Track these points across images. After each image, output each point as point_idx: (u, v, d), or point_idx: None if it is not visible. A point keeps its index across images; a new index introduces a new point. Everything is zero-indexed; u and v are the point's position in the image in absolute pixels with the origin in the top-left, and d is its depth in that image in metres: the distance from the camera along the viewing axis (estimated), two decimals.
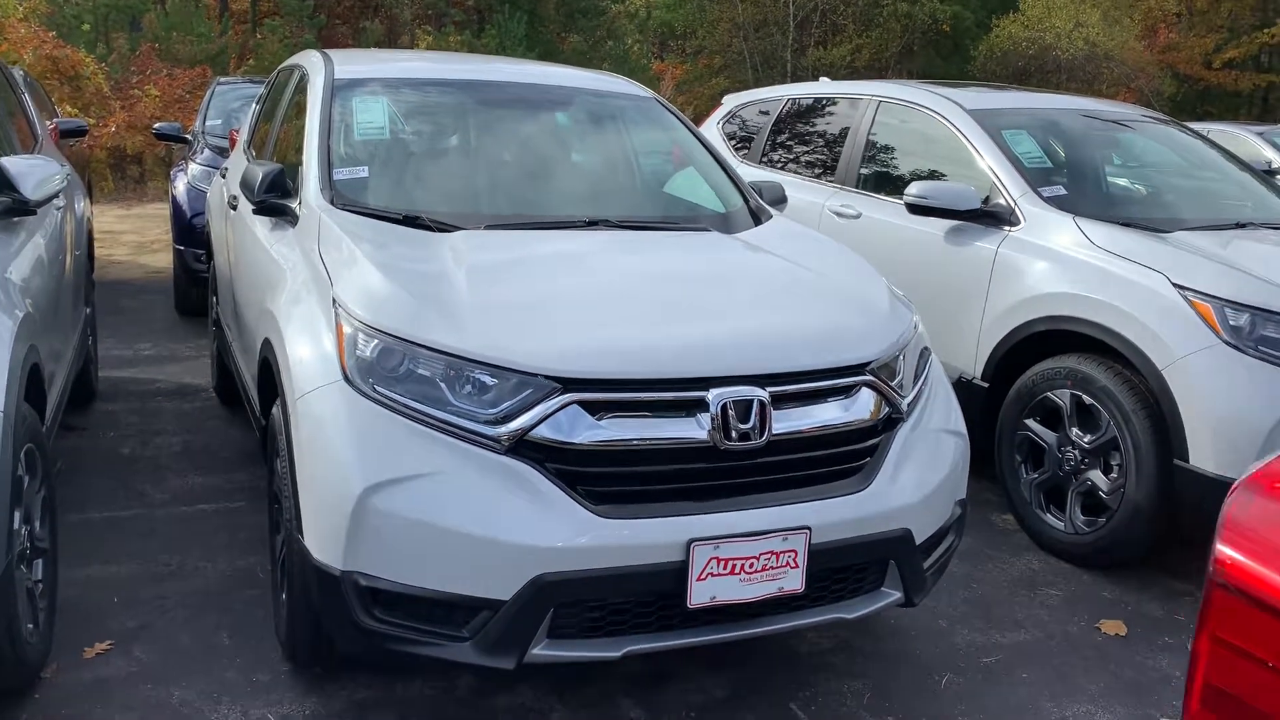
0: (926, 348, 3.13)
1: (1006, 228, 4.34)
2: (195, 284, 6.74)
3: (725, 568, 2.48)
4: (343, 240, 2.97)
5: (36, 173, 3.26)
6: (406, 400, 2.47)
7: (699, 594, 2.47)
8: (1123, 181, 4.99)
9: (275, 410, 2.86)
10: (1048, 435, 4.05)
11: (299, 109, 3.91)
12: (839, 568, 2.68)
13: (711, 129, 6.64)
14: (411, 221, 3.17)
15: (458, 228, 3.15)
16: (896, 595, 2.81)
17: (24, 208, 3.23)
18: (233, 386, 4.64)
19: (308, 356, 2.66)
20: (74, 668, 2.91)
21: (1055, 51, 23.15)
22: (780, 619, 2.65)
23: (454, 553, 2.37)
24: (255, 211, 3.48)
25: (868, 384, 2.76)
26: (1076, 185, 4.53)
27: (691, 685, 3.00)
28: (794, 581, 2.56)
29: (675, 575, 2.44)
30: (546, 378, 2.45)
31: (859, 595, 2.78)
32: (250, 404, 3.75)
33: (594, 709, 2.87)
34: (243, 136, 5.32)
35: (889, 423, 2.81)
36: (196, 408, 5.31)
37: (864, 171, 5.30)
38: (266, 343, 3.03)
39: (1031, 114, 4.98)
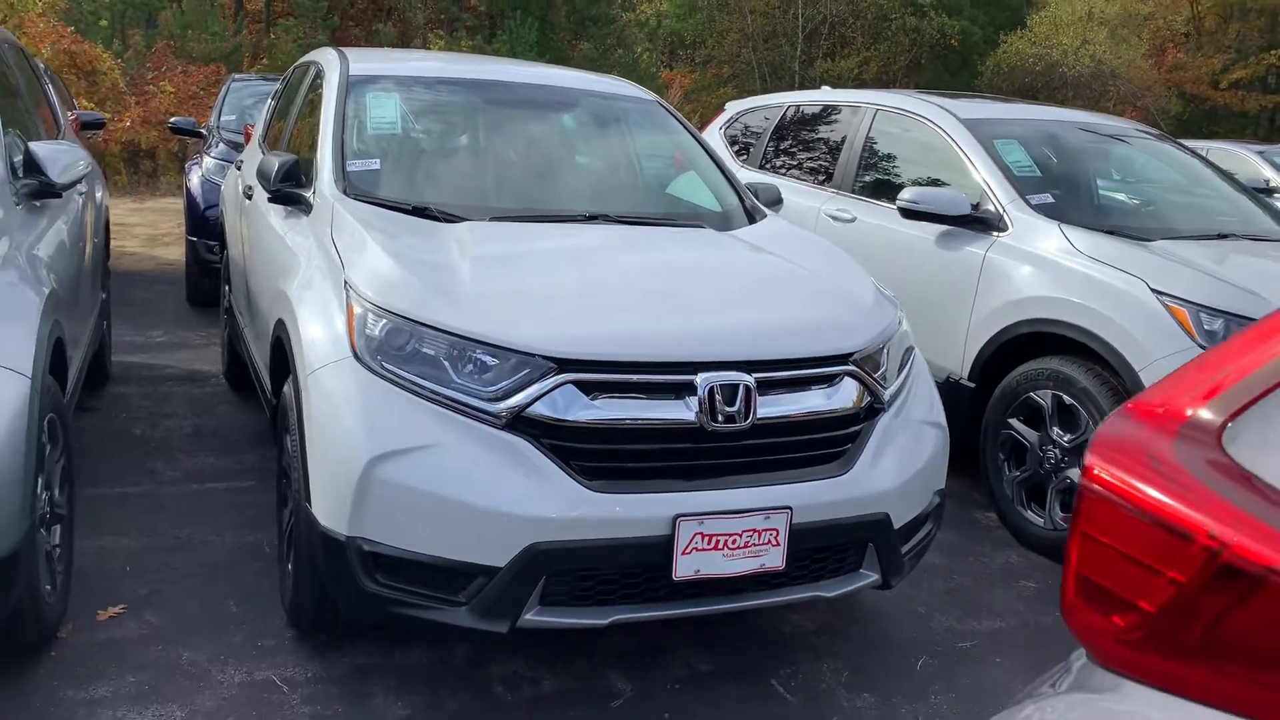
0: (911, 344, 3.27)
1: (995, 233, 4.48)
2: (207, 274, 6.90)
3: (709, 543, 2.62)
4: (354, 227, 3.12)
5: (63, 158, 3.41)
6: (412, 377, 2.61)
7: (684, 567, 2.60)
8: (1112, 192, 5.13)
9: (287, 387, 3.01)
10: (1030, 434, 4.18)
11: (314, 104, 4.06)
12: (819, 548, 2.82)
13: (714, 134, 6.79)
14: (420, 212, 3.32)
15: (464, 219, 3.30)
16: (874, 577, 2.94)
17: (51, 190, 3.38)
18: (243, 373, 4.79)
19: (319, 335, 2.81)
20: (88, 629, 3.05)
21: (1062, 68, 23.34)
22: (761, 594, 2.79)
23: (453, 521, 2.52)
24: (270, 200, 3.63)
25: (851, 374, 2.90)
26: (1065, 194, 4.67)
27: (677, 660, 3.13)
28: (775, 559, 2.70)
29: (661, 549, 2.58)
30: (544, 358, 2.59)
31: (838, 575, 2.92)
32: (261, 384, 3.90)
33: (583, 679, 3.00)
34: (258, 130, 5.48)
35: (871, 412, 2.95)
36: (207, 393, 5.45)
37: (860, 177, 5.44)
38: (280, 323, 3.18)
39: (1024, 125, 5.13)
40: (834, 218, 5.35)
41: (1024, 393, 4.18)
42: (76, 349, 3.80)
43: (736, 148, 6.61)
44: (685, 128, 4.37)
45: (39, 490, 2.81)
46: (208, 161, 7.17)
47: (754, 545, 2.67)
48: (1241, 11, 26.70)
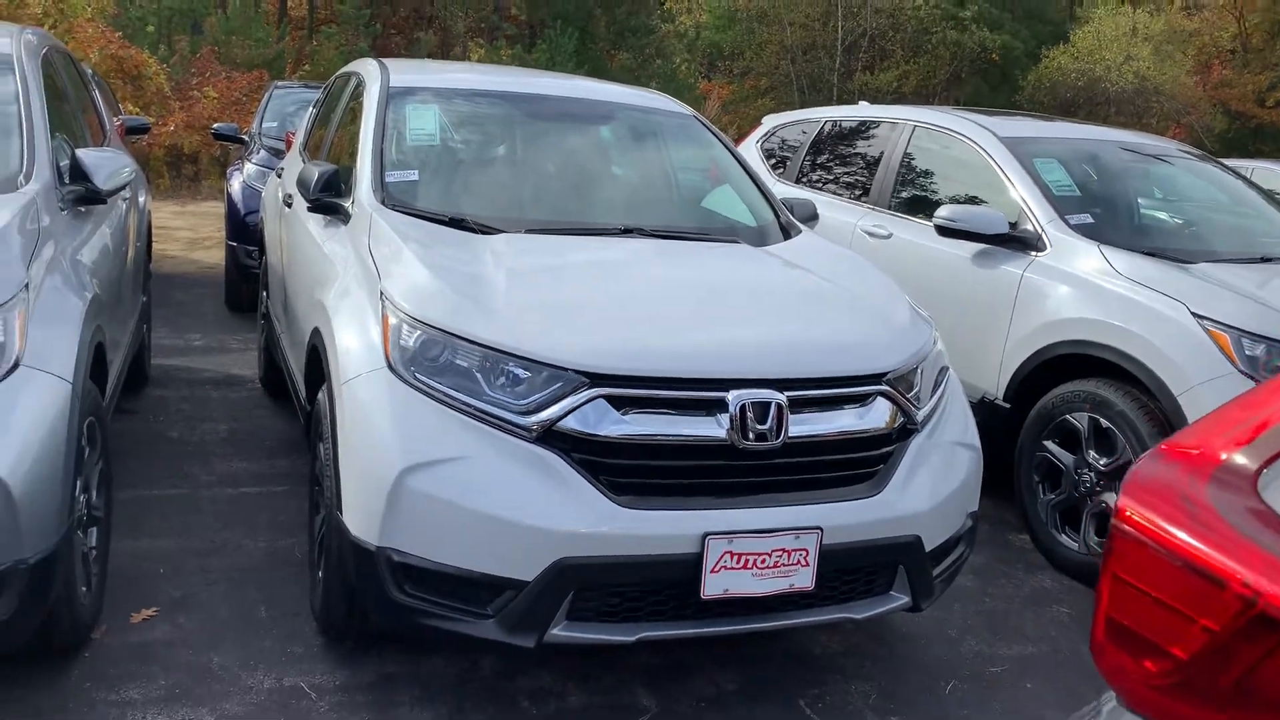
0: (945, 365, 3.25)
1: (1033, 253, 4.44)
2: (246, 279, 6.98)
3: (738, 562, 2.60)
4: (392, 238, 3.14)
5: (108, 165, 3.47)
6: (444, 388, 2.63)
7: (712, 586, 2.59)
8: (1153, 213, 5.07)
9: (321, 395, 3.04)
10: (1065, 457, 4.13)
11: (354, 114, 4.10)
12: (849, 569, 2.80)
13: (751, 148, 6.79)
14: (457, 223, 3.34)
15: (500, 230, 3.31)
16: (904, 600, 2.92)
17: (96, 197, 3.44)
18: (278, 378, 4.84)
19: (355, 345, 2.83)
20: (121, 630, 3.09)
21: (1105, 84, 23.12)
22: (790, 615, 2.77)
23: (482, 533, 2.52)
24: (309, 209, 3.67)
25: (884, 394, 2.88)
26: (1105, 214, 4.62)
27: (704, 678, 3.12)
28: (804, 579, 2.68)
29: (690, 566, 2.57)
30: (576, 372, 2.59)
31: (868, 597, 2.90)
32: (296, 391, 3.94)
33: (609, 695, 2.99)
34: (299, 138, 5.55)
35: (904, 432, 2.93)
36: (243, 397, 5.51)
37: (897, 193, 5.41)
38: (316, 331, 3.21)
39: (1064, 144, 5.08)
40: (870, 234, 5.32)
41: (1060, 415, 4.14)
42: (117, 353, 3.86)
43: (773, 161, 6.60)
44: (721, 142, 4.37)
45: (77, 493, 2.86)
46: (249, 167, 7.26)
47: (783, 565, 2.66)
48: None
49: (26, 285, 2.65)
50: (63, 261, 3.02)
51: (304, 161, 4.70)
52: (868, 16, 23.38)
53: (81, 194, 3.40)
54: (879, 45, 24.01)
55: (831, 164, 6.12)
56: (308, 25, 22.41)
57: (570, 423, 2.58)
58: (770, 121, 6.98)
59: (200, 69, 16.19)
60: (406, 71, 4.21)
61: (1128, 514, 1.11)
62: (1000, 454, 4.34)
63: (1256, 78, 25.91)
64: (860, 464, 2.83)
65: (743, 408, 2.65)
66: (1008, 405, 4.43)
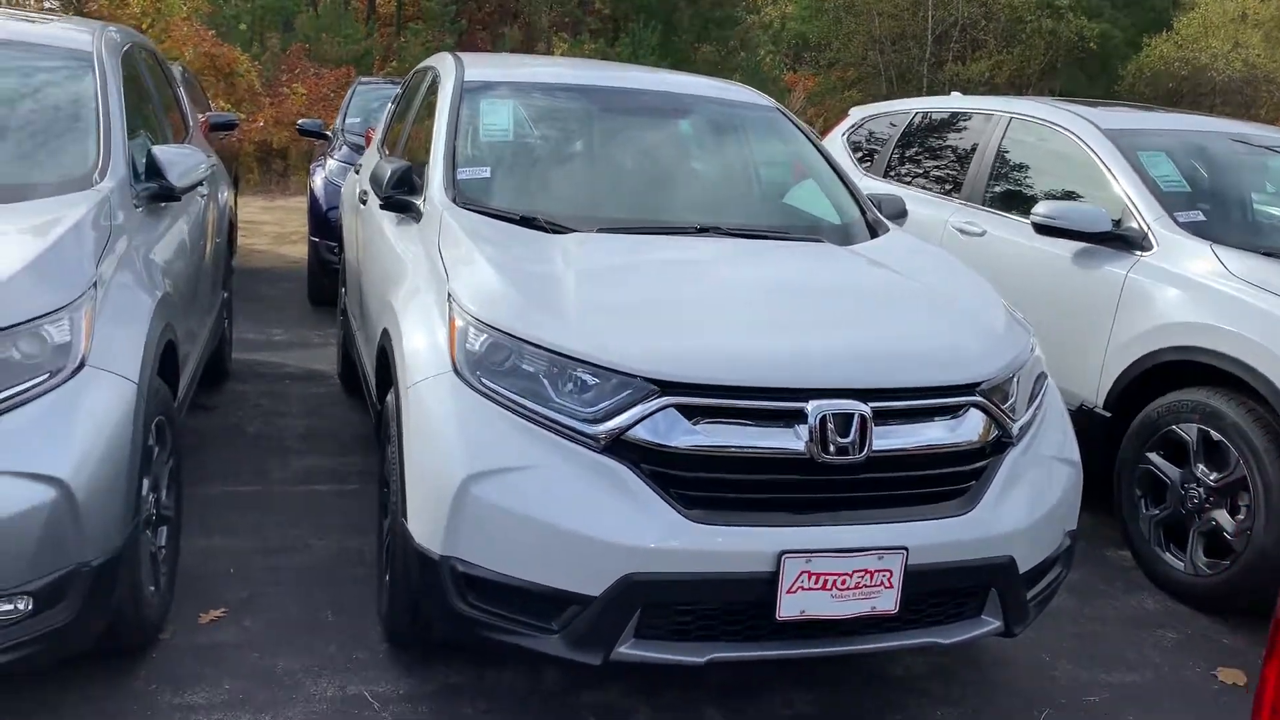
0: (1043, 372, 3.05)
1: (1138, 252, 4.18)
2: (327, 275, 7.01)
3: (816, 582, 2.46)
4: (461, 238, 3.05)
5: (183, 161, 3.45)
6: (511, 394, 2.53)
7: (788, 607, 2.45)
8: (1269, 209, 4.74)
9: (390, 397, 2.97)
10: (1171, 470, 3.87)
11: (429, 109, 4.04)
12: (936, 591, 2.63)
13: (837, 140, 6.58)
14: (528, 222, 3.24)
15: (571, 230, 3.21)
16: (996, 624, 2.73)
17: (170, 194, 3.43)
18: (355, 374, 4.81)
19: (421, 347, 2.75)
20: (189, 631, 3.07)
21: (1210, 73, 22.16)
22: (871, 639, 2.61)
23: (547, 546, 2.42)
24: (382, 207, 3.61)
25: (977, 405, 2.70)
26: (1216, 211, 4.33)
27: (778, 698, 2.97)
28: (887, 602, 2.52)
29: (765, 586, 2.43)
30: (645, 379, 2.47)
31: (956, 621, 2.72)
32: (369, 390, 3.89)
33: (678, 712, 2.87)
34: (377, 135, 5.52)
35: (998, 446, 2.75)
36: (321, 392, 5.52)
37: (991, 189, 5.17)
38: (385, 332, 3.14)
39: (1171, 136, 4.78)
40: (962, 230, 5.09)
41: (1165, 425, 3.87)
42: (192, 350, 3.86)
43: (860, 154, 6.38)
44: (805, 135, 4.20)
45: (145, 493, 2.84)
46: (331, 163, 7.29)
47: (865, 587, 2.50)
48: None
49: (95, 284, 2.62)
50: (134, 259, 3.00)
51: (381, 158, 4.67)
52: (959, 5, 22.79)
53: (156, 191, 3.38)
54: (971, 35, 23.39)
55: (922, 157, 5.88)
56: (395, 22, 22.67)
57: (639, 432, 2.45)
58: (858, 113, 6.76)
59: (290, 66, 16.46)
60: (482, 66, 4.13)
61: None
62: (1098, 465, 4.09)
63: None
64: (950, 480, 2.66)
65: (823, 419, 2.49)
66: (1108, 414, 4.18)
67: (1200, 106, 21.69)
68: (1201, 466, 3.75)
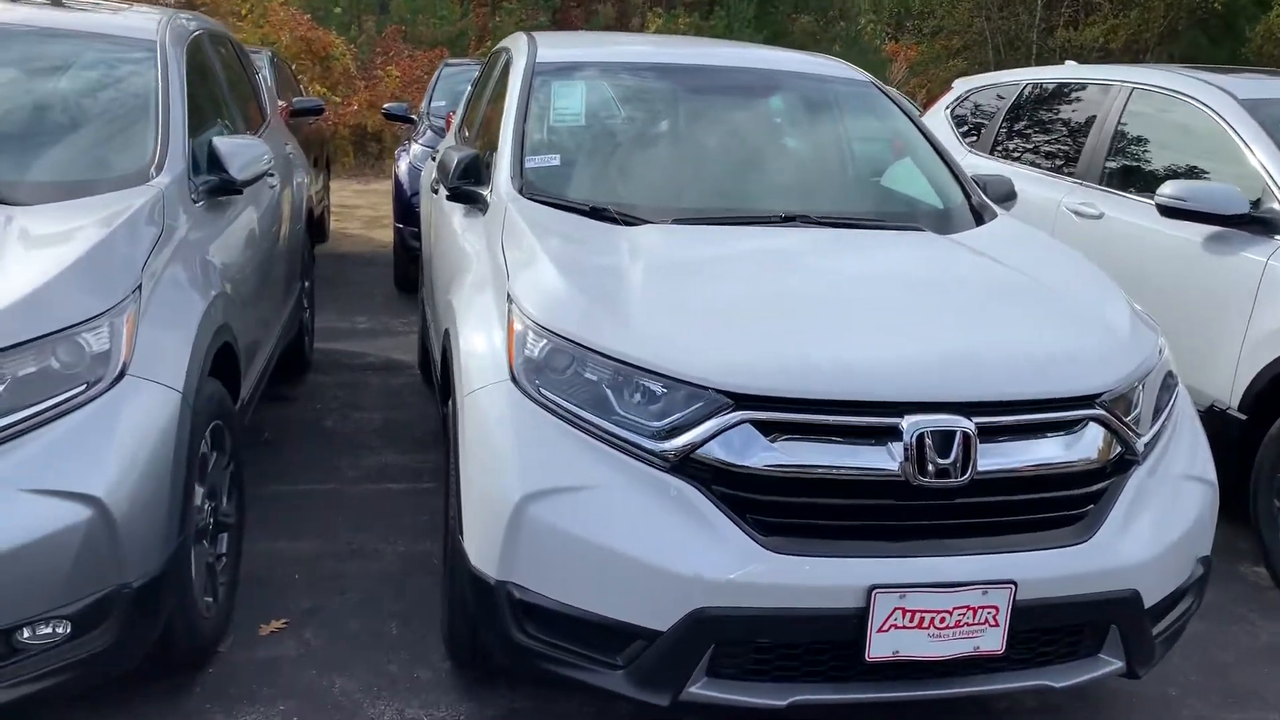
0: (1173, 377, 2.71)
1: (1279, 237, 3.74)
2: (412, 261, 6.91)
3: (911, 620, 2.19)
4: (525, 233, 2.85)
5: (245, 153, 3.33)
6: (571, 406, 2.32)
7: (879, 647, 2.19)
8: None
9: (450, 403, 2.79)
10: None
11: (501, 93, 3.84)
12: (1048, 629, 2.34)
13: (939, 115, 6.19)
14: (598, 214, 3.02)
15: (645, 221, 2.97)
16: (1117, 665, 2.43)
17: (231, 187, 3.30)
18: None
19: (478, 352, 2.56)
20: (247, 645, 2.95)
21: None
22: (973, 680, 2.34)
23: (609, 574, 2.21)
24: (448, 198, 3.43)
25: (1097, 419, 2.39)
26: None
27: None
28: (992, 642, 2.24)
29: (853, 623, 2.18)
30: (718, 391, 2.23)
31: (1071, 660, 2.42)
32: (437, 390, 3.74)
33: None
34: (456, 120, 5.37)
35: (1121, 465, 2.43)
36: (400, 384, 5.42)
37: (1110, 166, 4.74)
38: (446, 333, 2.96)
39: None
40: (1076, 213, 4.69)
41: None
42: (261, 347, 3.75)
43: (965, 129, 5.99)
44: (903, 111, 3.87)
45: (200, 502, 2.72)
46: (415, 148, 7.19)
47: (967, 624, 2.22)
48: None
49: (139, 287, 2.49)
50: (188, 258, 2.87)
51: (454, 145, 4.50)
52: None
53: (216, 184, 3.26)
54: None
55: (1032, 132, 5.46)
56: (490, 1, 22.65)
57: (711, 450, 2.22)
58: (962, 85, 6.35)
59: (384, 48, 16.53)
60: (556, 45, 3.91)
61: None
62: (1232, 472, 3.69)
63: None
64: (1066, 504, 2.35)
65: (920, 437, 2.22)
66: (1243, 416, 3.77)
67: None
68: None
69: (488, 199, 3.23)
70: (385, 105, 8.46)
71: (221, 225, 3.33)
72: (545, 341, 2.40)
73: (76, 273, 2.40)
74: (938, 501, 2.25)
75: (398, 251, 7.36)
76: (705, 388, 2.23)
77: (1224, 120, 4.19)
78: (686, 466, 2.22)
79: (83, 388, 2.28)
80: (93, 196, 2.84)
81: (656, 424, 2.26)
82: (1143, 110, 4.72)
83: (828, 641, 2.22)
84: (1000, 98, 5.87)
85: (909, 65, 23.71)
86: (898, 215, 3.39)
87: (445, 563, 2.84)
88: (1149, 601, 2.39)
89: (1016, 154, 5.47)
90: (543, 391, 2.35)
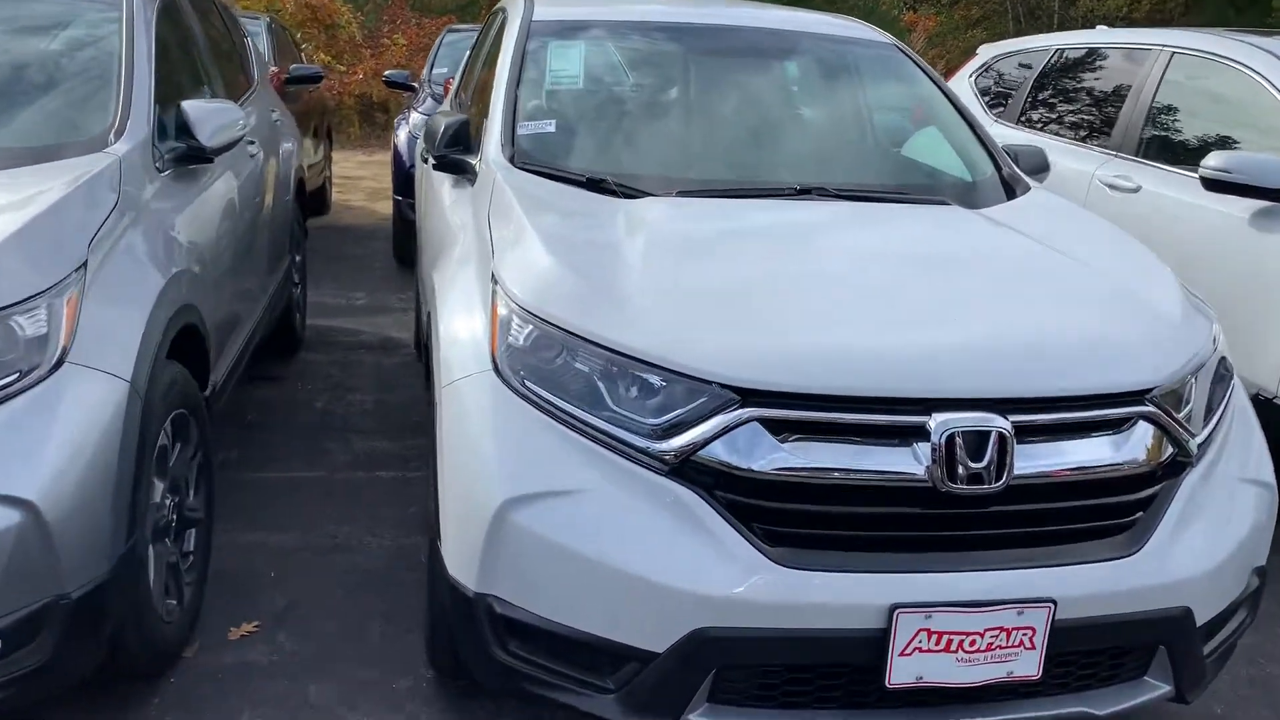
0: (1227, 367, 2.45)
1: None
2: (411, 235, 6.64)
3: (938, 643, 1.95)
4: (513, 206, 2.60)
5: (216, 119, 3.08)
6: (559, 401, 2.07)
7: (901, 672, 1.96)
8: None
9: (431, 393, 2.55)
10: None
11: (495, 55, 3.57)
12: (1090, 650, 2.09)
13: (963, 83, 5.89)
14: (596, 185, 2.77)
15: (646, 193, 2.72)
16: (1165, 689, 2.19)
17: (201, 154, 3.05)
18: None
19: (459, 339, 2.32)
20: (215, 649, 2.74)
21: None
22: (1004, 709, 2.10)
23: (600, 589, 1.98)
24: (434, 168, 3.18)
25: (1146, 416, 2.13)
26: None
27: None
28: (1028, 666, 2.01)
29: (872, 646, 1.94)
30: (723, 386, 1.98)
31: (1113, 684, 2.18)
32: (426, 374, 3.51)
33: None
34: (454, 86, 5.11)
35: (1173, 468, 2.18)
36: (395, 363, 5.19)
37: (1147, 136, 4.45)
38: (429, 316, 2.72)
39: None
40: (1111, 186, 4.40)
41: None
42: (236, 328, 3.52)
43: (989, 98, 5.68)
44: (929, 76, 3.59)
45: (160, 497, 2.50)
46: (415, 116, 6.94)
47: (1000, 648, 1.98)
48: None
49: (83, 265, 2.25)
50: (147, 233, 2.63)
51: (451, 110, 4.24)
52: None
53: (185, 152, 3.01)
54: None
55: (1062, 102, 5.16)
56: None
57: (715, 452, 1.97)
58: (987, 52, 6.04)
59: (392, 16, 16.22)
60: (554, 3, 3.64)
61: None
62: (1278, 464, 3.43)
63: None
64: (1111, 512, 2.11)
65: (950, 438, 1.97)
66: None
67: None
68: None
69: (476, 168, 2.98)
70: (386, 73, 8.21)
71: (191, 196, 3.08)
72: (531, 328, 2.15)
73: (11, 248, 2.15)
74: (969, 510, 2.00)
75: (397, 224, 7.13)
76: (709, 382, 1.99)
77: (1273, 86, 3.89)
78: (687, 469, 1.98)
79: (14, 377, 2.04)
80: (44, 164, 2.60)
81: (654, 421, 2.02)
82: (1184, 77, 4.42)
83: (843, 666, 1.98)
84: (1027, 66, 5.56)
85: (928, 36, 23.22)
86: (923, 188, 3.13)
87: (429, 566, 2.62)
88: (1201, 619, 2.15)
89: (1045, 124, 5.17)
90: (528, 384, 2.11)
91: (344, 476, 3.85)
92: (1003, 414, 2.01)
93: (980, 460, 1.97)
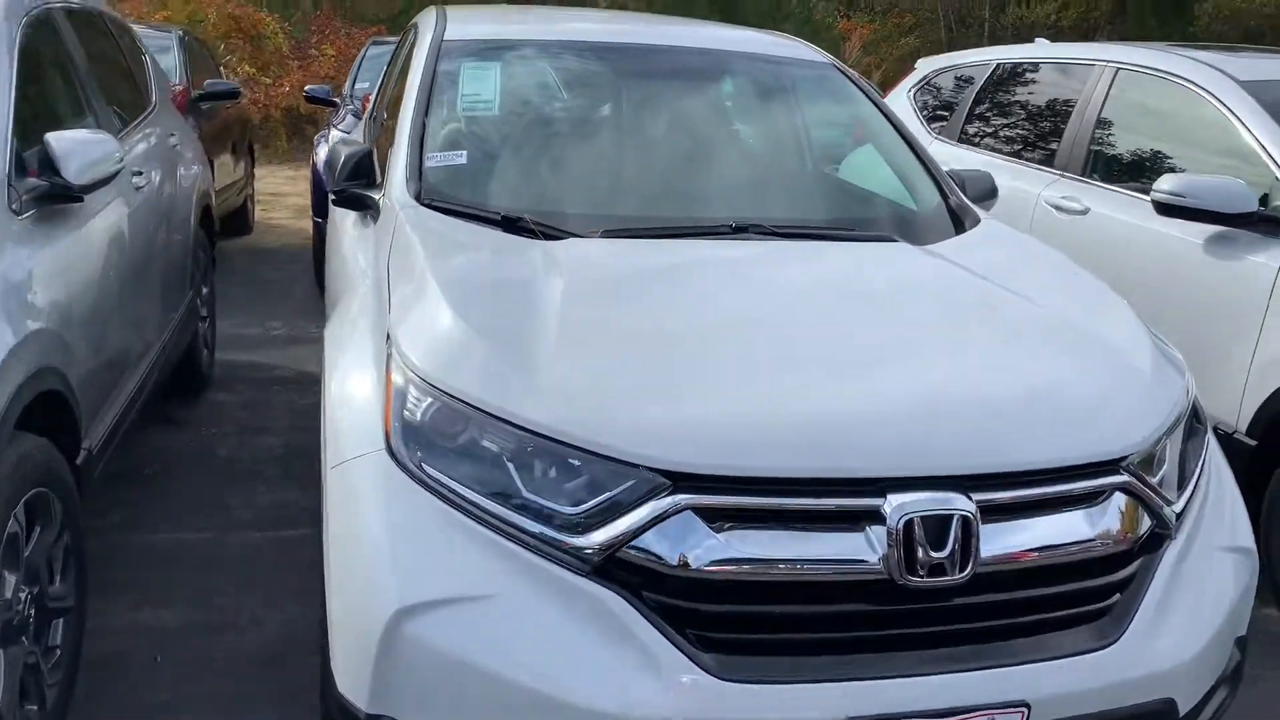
0: (1201, 420, 2.25)
1: None
2: None
3: None
4: (416, 250, 2.31)
5: (85, 152, 2.75)
6: (462, 488, 1.79)
7: None
8: None
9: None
10: None
11: (403, 78, 3.28)
12: None
13: (901, 99, 5.71)
14: (511, 225, 2.49)
15: (568, 233, 2.45)
16: None
17: (68, 193, 2.72)
18: None
19: (347, 412, 2.03)
20: None
21: None
22: None
23: (510, 712, 1.70)
24: (334, 203, 2.88)
25: (1123, 487, 1.91)
26: None
27: None
28: None
29: None
30: (652, 470, 1.72)
31: None
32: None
33: None
34: (370, 106, 4.80)
35: (1150, 541, 1.96)
36: (309, 403, 4.83)
37: (1093, 156, 4.29)
38: (322, 380, 2.42)
39: None
40: (1058, 208, 4.23)
41: None
42: (119, 382, 3.18)
43: (929, 114, 5.51)
44: (869, 98, 3.37)
45: (12, 592, 2.18)
46: (334, 134, 6.58)
47: None
48: None
49: None
50: None
51: (365, 136, 3.94)
52: None
53: (46, 190, 2.68)
54: None
55: (1004, 119, 5.00)
56: None
57: (643, 545, 1.71)
58: (926, 66, 5.87)
59: (320, 26, 15.76)
60: (469, 21, 3.36)
61: None
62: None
63: None
64: (1087, 596, 1.89)
65: (908, 524, 1.72)
66: (1252, 441, 3.34)
67: None
68: None
69: (380, 204, 2.69)
70: (307, 88, 7.85)
71: (57, 240, 2.74)
72: (431, 400, 1.87)
73: None
74: (931, 605, 1.77)
75: (317, 247, 6.76)
76: (636, 465, 1.72)
77: (1225, 106, 3.74)
78: (611, 568, 1.72)
79: None
80: None
81: (573, 511, 1.75)
82: (1130, 95, 4.27)
83: None
84: (965, 81, 5.40)
85: (863, 43, 23.29)
86: (865, 221, 2.90)
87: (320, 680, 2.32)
88: (1185, 709, 1.94)
89: (988, 142, 5.01)
90: (425, 467, 1.83)
91: (242, 537, 3.53)
92: (965, 492, 1.77)
93: (942, 549, 1.74)
